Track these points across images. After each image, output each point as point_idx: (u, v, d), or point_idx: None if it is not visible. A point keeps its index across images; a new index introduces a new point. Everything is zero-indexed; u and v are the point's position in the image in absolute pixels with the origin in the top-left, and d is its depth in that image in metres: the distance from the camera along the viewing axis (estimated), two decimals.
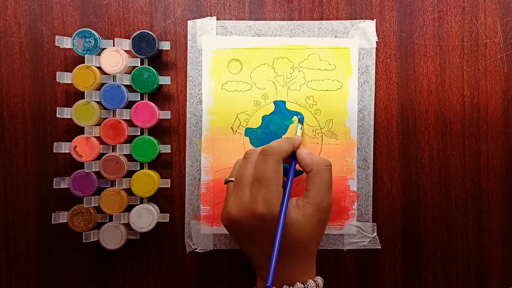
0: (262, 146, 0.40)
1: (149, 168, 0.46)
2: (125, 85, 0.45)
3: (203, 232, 0.46)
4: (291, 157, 0.42)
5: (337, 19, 0.46)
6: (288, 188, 0.39)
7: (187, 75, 0.46)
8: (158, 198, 0.47)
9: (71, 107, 0.44)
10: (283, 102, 0.46)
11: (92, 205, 0.44)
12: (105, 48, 0.44)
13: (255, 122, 0.46)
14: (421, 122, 0.46)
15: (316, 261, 0.41)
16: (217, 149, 0.46)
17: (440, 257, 0.47)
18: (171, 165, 0.47)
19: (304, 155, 0.41)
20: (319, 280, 0.40)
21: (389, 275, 0.47)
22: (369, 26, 0.46)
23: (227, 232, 0.45)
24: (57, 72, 0.43)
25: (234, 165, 0.43)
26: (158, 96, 0.46)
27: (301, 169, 0.46)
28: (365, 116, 0.46)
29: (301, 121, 0.45)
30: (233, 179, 0.41)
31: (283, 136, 0.46)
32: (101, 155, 0.45)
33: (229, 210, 0.39)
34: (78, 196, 0.44)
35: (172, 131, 0.47)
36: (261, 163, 0.39)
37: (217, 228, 0.46)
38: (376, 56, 0.46)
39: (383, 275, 0.47)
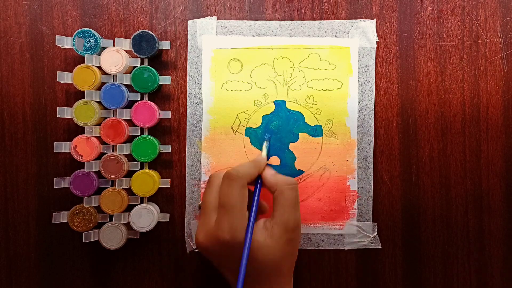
0: (226, 170, 0.39)
1: (149, 168, 0.46)
2: (125, 85, 0.45)
3: None
4: (257, 179, 0.41)
5: (337, 18, 0.46)
6: (253, 212, 0.38)
7: (187, 75, 0.46)
8: (158, 198, 0.47)
9: (71, 107, 0.44)
10: (284, 102, 0.46)
11: (92, 205, 0.44)
12: (105, 48, 0.44)
13: (255, 122, 0.46)
14: (421, 121, 0.47)
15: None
16: (218, 149, 0.46)
17: (441, 256, 0.47)
18: (171, 165, 0.47)
19: (269, 176, 0.40)
20: None
21: (389, 275, 0.47)
22: (369, 26, 0.46)
23: None
24: (57, 72, 0.43)
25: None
26: (158, 95, 0.46)
27: (301, 169, 0.46)
28: (365, 115, 0.46)
29: (268, 139, 0.45)
30: None
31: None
32: (101, 154, 0.45)
33: (197, 237, 0.39)
34: (78, 196, 0.44)
35: (172, 131, 0.47)
36: (225, 188, 0.38)
37: None
38: (376, 55, 0.46)
39: (384, 274, 0.47)
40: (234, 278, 0.38)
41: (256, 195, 0.40)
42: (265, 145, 0.44)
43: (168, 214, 0.46)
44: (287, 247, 0.38)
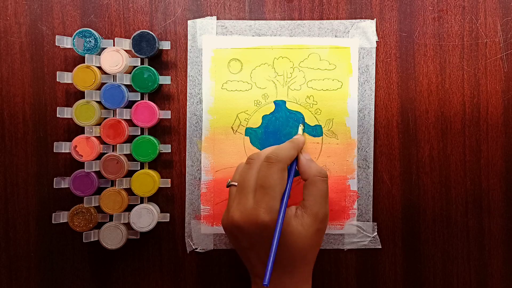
0: (267, 152, 0.40)
1: (149, 168, 0.46)
2: (125, 85, 0.45)
3: (203, 232, 0.46)
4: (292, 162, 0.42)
5: (337, 18, 0.46)
6: (287, 193, 0.38)
7: (187, 75, 0.46)
8: (159, 197, 0.47)
9: (71, 106, 0.44)
10: (283, 102, 0.46)
11: (93, 205, 0.44)
12: (105, 48, 0.44)
13: (255, 122, 0.46)
14: (422, 121, 0.47)
15: (316, 262, 0.41)
16: (218, 149, 0.46)
17: (441, 256, 0.47)
18: (171, 165, 0.47)
19: (304, 161, 0.41)
20: None
21: (389, 275, 0.47)
22: (369, 26, 0.46)
23: None
24: (57, 72, 0.43)
25: (236, 168, 0.42)
26: (158, 95, 0.46)
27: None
28: (365, 115, 0.46)
29: (302, 122, 0.45)
30: (235, 183, 0.40)
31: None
32: (102, 154, 0.45)
33: (232, 215, 0.38)
34: (78, 196, 0.44)
35: (172, 131, 0.47)
36: (265, 170, 0.38)
37: (217, 228, 0.46)
38: (376, 55, 0.46)
39: (384, 274, 0.47)
40: (260, 260, 0.38)
41: (291, 177, 0.40)
42: (300, 127, 0.45)
43: (168, 214, 0.46)
44: (315, 236, 0.39)
